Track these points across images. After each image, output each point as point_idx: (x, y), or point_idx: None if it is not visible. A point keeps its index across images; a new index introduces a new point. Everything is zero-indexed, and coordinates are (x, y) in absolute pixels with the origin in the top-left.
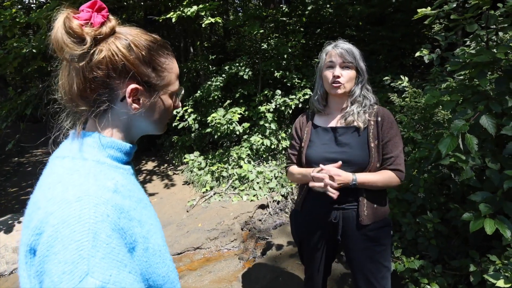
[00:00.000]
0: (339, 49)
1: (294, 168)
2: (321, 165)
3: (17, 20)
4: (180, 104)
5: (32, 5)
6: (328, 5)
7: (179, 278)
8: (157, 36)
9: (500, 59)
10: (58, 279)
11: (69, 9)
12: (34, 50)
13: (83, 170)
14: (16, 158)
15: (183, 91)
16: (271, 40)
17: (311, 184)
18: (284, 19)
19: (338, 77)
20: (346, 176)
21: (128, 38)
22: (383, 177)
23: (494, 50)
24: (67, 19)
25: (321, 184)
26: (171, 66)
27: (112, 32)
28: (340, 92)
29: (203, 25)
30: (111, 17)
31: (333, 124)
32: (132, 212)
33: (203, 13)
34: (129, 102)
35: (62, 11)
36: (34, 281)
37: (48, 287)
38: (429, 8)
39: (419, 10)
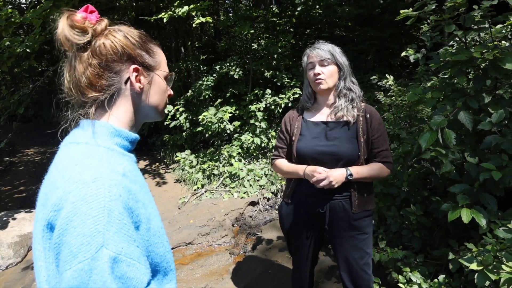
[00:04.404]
0: (315, 50)
1: (282, 162)
2: (318, 168)
3: (12, 19)
4: (172, 92)
5: (22, 5)
6: (317, 6)
7: None
8: (143, 31)
9: (477, 58)
10: (76, 249)
11: (69, 10)
12: (28, 50)
13: (97, 155)
14: (7, 158)
15: (174, 77)
16: (262, 40)
17: (321, 183)
18: (274, 19)
19: (319, 74)
20: (341, 173)
21: (122, 30)
22: (374, 169)
23: (472, 50)
24: (70, 15)
25: (326, 182)
26: (160, 52)
27: (106, 28)
28: (324, 88)
29: (194, 25)
30: (102, 17)
31: (323, 118)
32: (137, 194)
33: (194, 13)
34: (133, 80)
35: (63, 13)
36: (50, 254)
37: (66, 257)
38: (411, 9)
39: (401, 11)
